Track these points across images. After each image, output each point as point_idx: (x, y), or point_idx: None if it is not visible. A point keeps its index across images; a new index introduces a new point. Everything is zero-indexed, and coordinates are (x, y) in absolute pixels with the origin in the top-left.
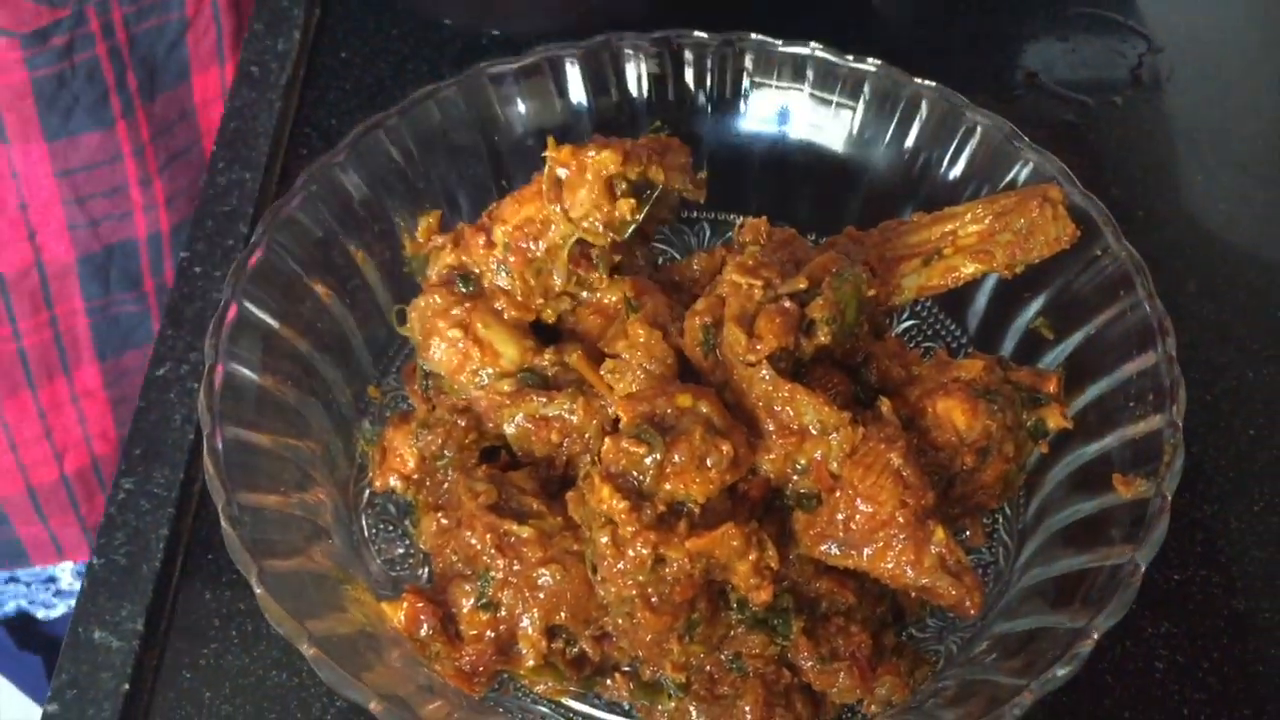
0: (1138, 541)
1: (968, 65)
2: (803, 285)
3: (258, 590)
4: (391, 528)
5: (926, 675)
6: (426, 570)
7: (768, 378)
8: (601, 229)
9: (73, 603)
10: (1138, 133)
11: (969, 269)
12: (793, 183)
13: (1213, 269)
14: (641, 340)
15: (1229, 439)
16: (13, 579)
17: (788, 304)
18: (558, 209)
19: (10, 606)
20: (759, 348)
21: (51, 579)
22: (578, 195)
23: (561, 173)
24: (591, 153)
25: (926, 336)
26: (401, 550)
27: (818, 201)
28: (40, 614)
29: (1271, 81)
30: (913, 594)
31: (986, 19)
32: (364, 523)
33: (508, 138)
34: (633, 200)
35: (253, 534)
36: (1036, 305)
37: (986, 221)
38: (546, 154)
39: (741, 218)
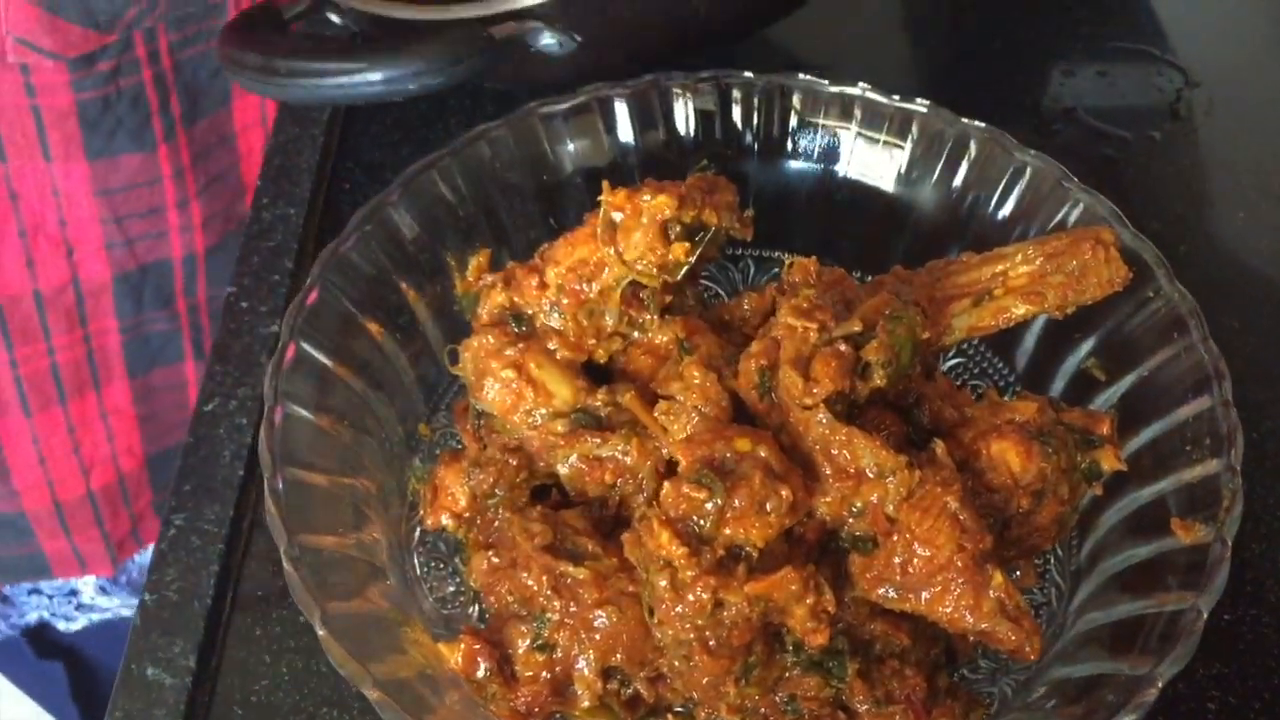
0: (1199, 588)
1: (1005, 100)
2: (857, 328)
3: (321, 632)
4: (442, 565)
5: (981, 718)
6: (477, 608)
7: (824, 421)
8: (655, 271)
9: (94, 616)
10: (1177, 167)
11: (1020, 310)
12: (839, 221)
13: (1256, 305)
14: (696, 382)
15: (1276, 477)
16: (35, 590)
17: (843, 347)
18: (611, 251)
19: (32, 617)
20: (816, 391)
21: (74, 592)
22: (632, 238)
23: (616, 216)
24: (646, 197)
25: (973, 375)
26: (453, 588)
27: (864, 240)
28: (61, 625)
29: None
30: (970, 638)
31: (1023, 53)
32: (415, 561)
33: (557, 176)
34: (686, 244)
35: (312, 575)
36: (1087, 346)
37: (1037, 263)
38: (602, 197)
39: (788, 256)
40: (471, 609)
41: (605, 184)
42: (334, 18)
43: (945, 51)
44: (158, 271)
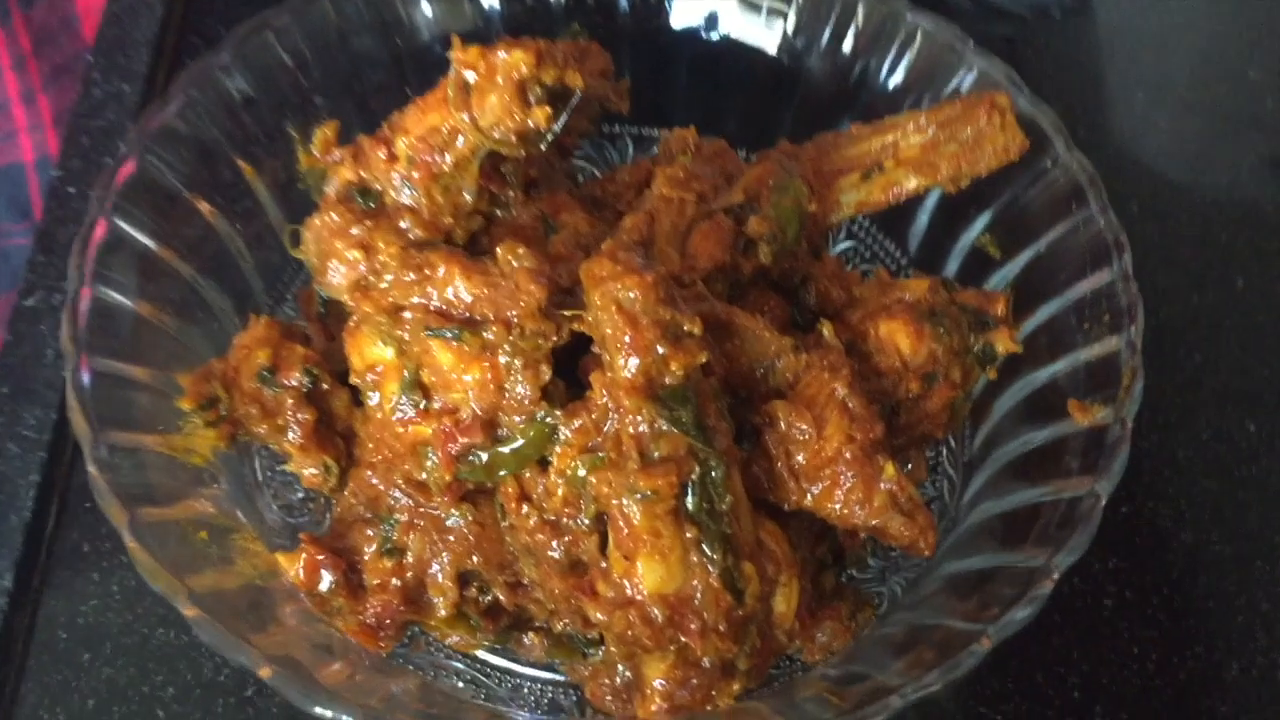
0: (1097, 471)
1: None
2: (739, 199)
3: (129, 542)
4: (288, 469)
5: (869, 619)
6: (329, 518)
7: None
8: (514, 139)
9: None
10: (1075, 49)
11: (912, 183)
12: (722, 94)
13: (1156, 190)
14: (527, 266)
15: (1174, 366)
16: None
17: (723, 219)
18: (465, 117)
19: None
20: (695, 267)
21: None
22: (487, 102)
23: (469, 76)
24: (502, 54)
25: (864, 258)
26: (300, 495)
27: (748, 113)
28: None
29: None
30: (861, 534)
31: None
32: (256, 465)
33: (412, 43)
34: (548, 108)
35: (127, 479)
36: (982, 222)
37: (930, 132)
38: (451, 55)
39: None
40: (325, 518)
41: (456, 40)
42: None
43: None
44: (9, 178)
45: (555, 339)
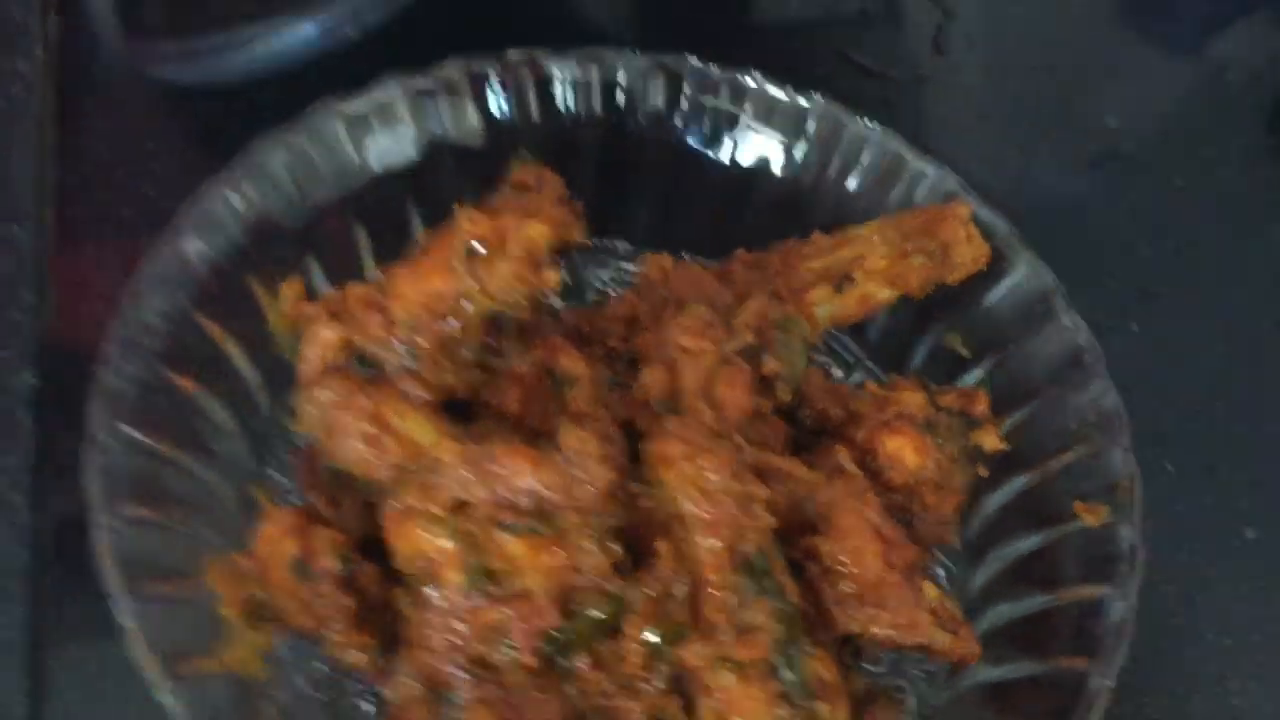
0: (1118, 580)
1: (782, 50)
2: (749, 340)
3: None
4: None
5: (900, 717)
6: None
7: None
8: (525, 303)
9: None
10: (949, 104)
11: (884, 294)
12: (673, 201)
13: (1052, 239)
14: (592, 451)
15: None
16: None
17: (740, 365)
18: (474, 284)
19: None
20: (727, 418)
21: None
22: (496, 269)
23: (478, 246)
24: (518, 227)
25: (820, 353)
26: (326, 670)
27: (700, 221)
28: None
29: (1056, 37)
30: (907, 650)
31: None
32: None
33: (365, 178)
34: (557, 270)
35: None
36: (946, 321)
37: (895, 244)
38: (461, 224)
39: (617, 241)
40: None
41: (462, 209)
42: None
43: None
44: None
45: (626, 517)
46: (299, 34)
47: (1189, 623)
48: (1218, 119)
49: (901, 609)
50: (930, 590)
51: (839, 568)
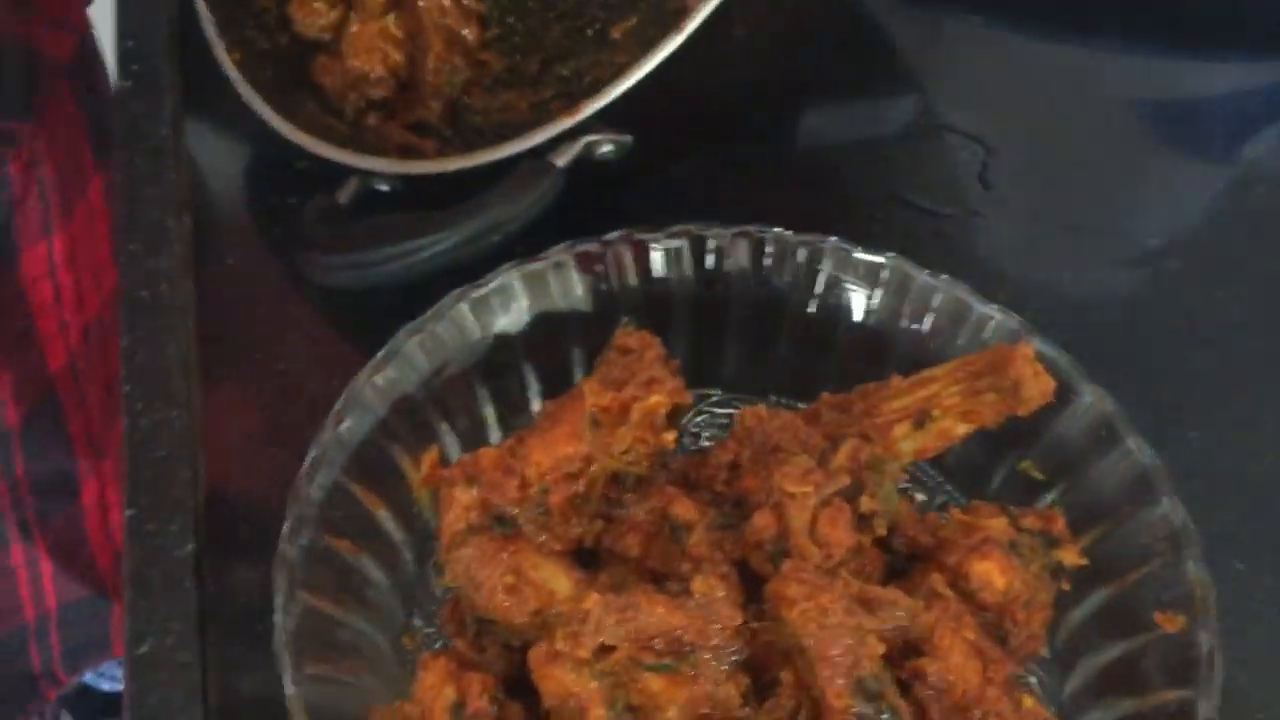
0: (1197, 684)
1: (836, 191)
2: (847, 482)
3: None
4: None
5: None
6: None
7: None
8: (645, 462)
9: None
10: (1001, 235)
11: (961, 429)
12: (758, 350)
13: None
14: (720, 595)
15: None
16: None
17: (840, 504)
18: (599, 449)
19: None
20: (832, 555)
21: None
22: (619, 433)
23: (601, 414)
24: (640, 397)
25: (903, 479)
26: None
27: (785, 367)
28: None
29: (1091, 158)
30: None
31: (827, 150)
32: None
33: (488, 352)
34: (675, 430)
35: None
36: (1019, 449)
37: (968, 383)
38: (586, 396)
39: (710, 390)
40: None
41: (588, 385)
42: (382, 187)
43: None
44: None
45: (749, 650)
46: (451, 243)
47: (1274, 716)
48: (1261, 232)
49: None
50: (1028, 701)
51: (944, 685)
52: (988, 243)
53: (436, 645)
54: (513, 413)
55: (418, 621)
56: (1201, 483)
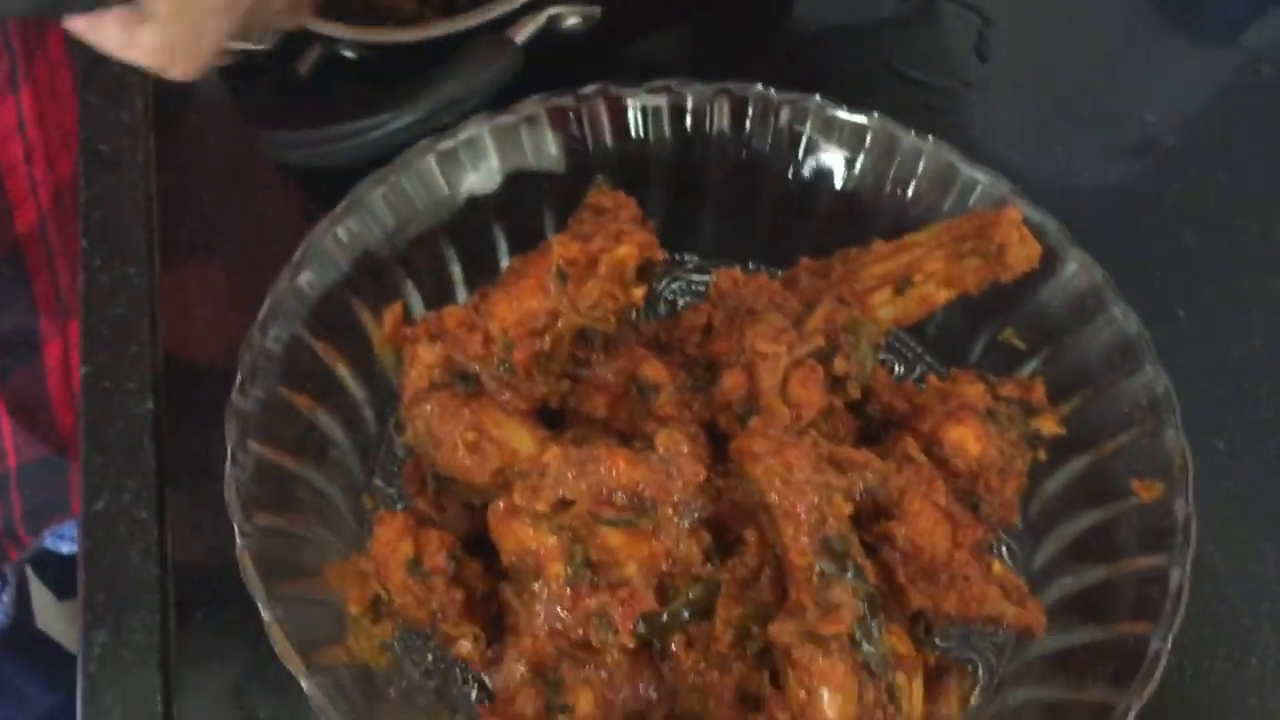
0: (1172, 551)
1: (830, 64)
2: (821, 343)
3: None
4: (416, 636)
5: (974, 686)
6: (459, 673)
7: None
8: (612, 318)
9: None
10: (996, 109)
11: (943, 295)
12: (739, 215)
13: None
14: (684, 450)
15: None
16: None
17: (813, 365)
18: (566, 302)
19: None
20: (802, 416)
21: None
22: (586, 288)
23: (568, 268)
24: (607, 248)
25: (883, 350)
26: (431, 658)
27: (763, 231)
28: None
29: (1092, 35)
30: (977, 623)
31: (831, 16)
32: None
33: (456, 210)
34: (643, 286)
35: (340, 699)
36: (1002, 317)
37: (951, 247)
38: (555, 252)
39: (686, 256)
40: (455, 673)
41: (556, 238)
42: (347, 54)
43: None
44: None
45: (713, 508)
46: (403, 124)
47: (1246, 594)
48: (1254, 110)
49: (971, 584)
50: (996, 566)
51: (911, 549)
52: (981, 117)
53: (398, 507)
54: (481, 273)
55: (379, 482)
56: (1187, 361)
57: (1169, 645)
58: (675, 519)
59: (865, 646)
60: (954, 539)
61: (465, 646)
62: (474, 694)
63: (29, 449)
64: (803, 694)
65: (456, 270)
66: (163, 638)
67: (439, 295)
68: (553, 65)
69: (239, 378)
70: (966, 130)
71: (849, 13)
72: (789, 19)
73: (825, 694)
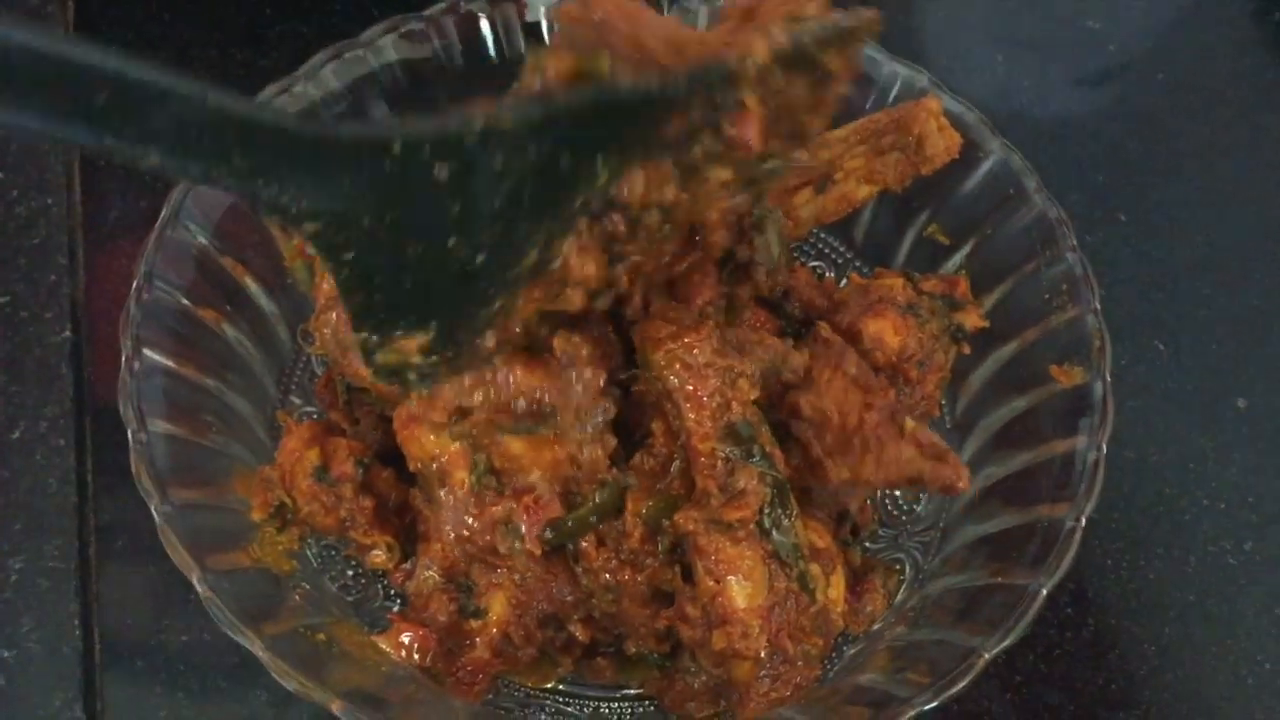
0: (1086, 431)
1: None
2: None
3: (262, 653)
4: (334, 551)
5: (899, 584)
6: (380, 589)
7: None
8: None
9: None
10: (927, 23)
11: (863, 192)
12: None
13: (1035, 139)
14: (584, 353)
15: None
16: None
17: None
18: None
19: None
20: (699, 302)
21: None
22: None
23: None
24: None
25: (811, 256)
26: (352, 573)
27: None
28: None
29: None
30: (902, 487)
31: None
32: (310, 553)
33: (365, 120)
34: None
35: (235, 602)
36: (927, 213)
37: (871, 142)
38: None
39: None
40: (376, 590)
41: None
42: None
43: None
44: None
45: (616, 409)
46: None
47: (1185, 490)
48: (1202, 16)
49: (887, 447)
50: (909, 424)
51: (821, 419)
52: (928, 29)
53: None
54: None
55: (297, 399)
56: (1128, 265)
57: (1083, 523)
58: (577, 425)
59: (775, 535)
60: (866, 404)
61: (379, 556)
62: (396, 609)
63: None
64: (711, 583)
65: None
66: (81, 563)
67: None
68: None
69: (134, 285)
70: (913, 42)
71: None
72: None
73: (734, 582)
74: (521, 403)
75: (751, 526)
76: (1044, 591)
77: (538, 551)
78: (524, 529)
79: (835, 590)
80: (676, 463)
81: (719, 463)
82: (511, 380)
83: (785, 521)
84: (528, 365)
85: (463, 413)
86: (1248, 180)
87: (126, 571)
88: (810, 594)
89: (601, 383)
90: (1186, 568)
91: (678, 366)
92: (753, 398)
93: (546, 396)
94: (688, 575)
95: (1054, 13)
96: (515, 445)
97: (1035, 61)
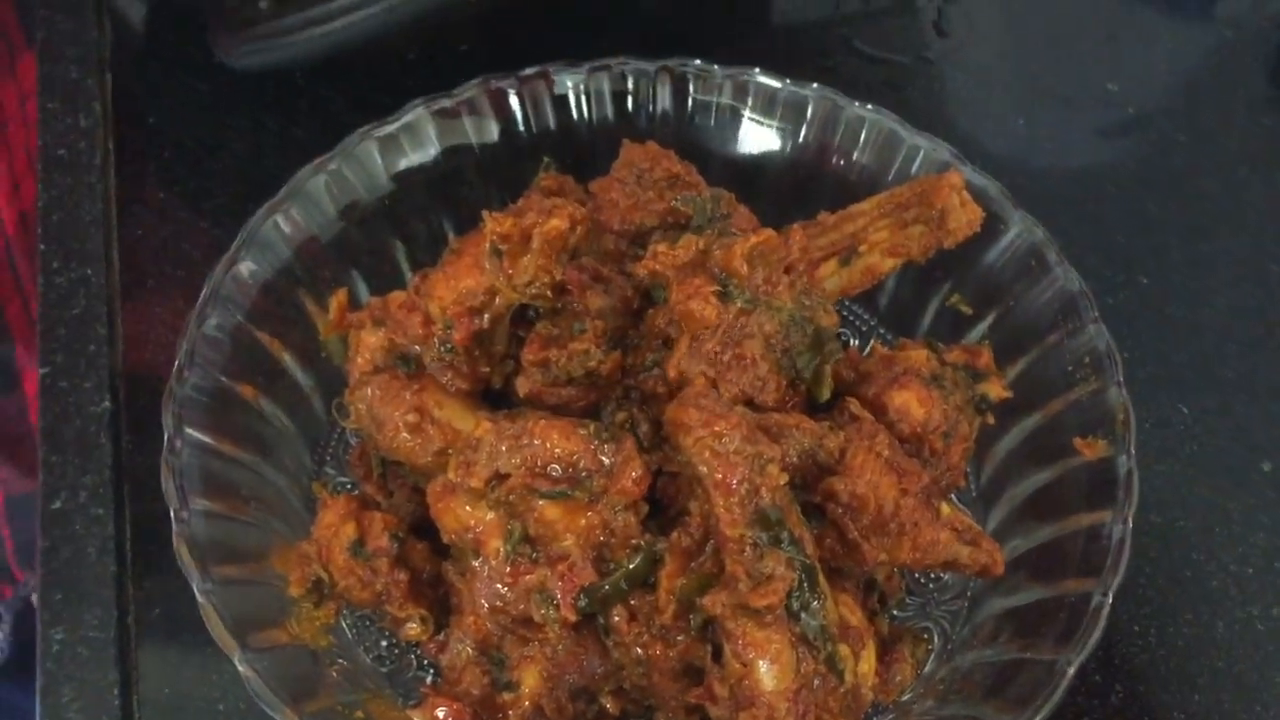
0: (1116, 505)
1: (792, 47)
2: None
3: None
4: (369, 623)
5: (927, 653)
6: (414, 659)
7: None
8: (549, 294)
9: None
10: (954, 84)
11: (888, 264)
12: None
13: (1050, 204)
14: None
15: None
16: None
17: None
18: (503, 279)
19: None
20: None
21: None
22: (521, 264)
23: (502, 244)
24: (540, 221)
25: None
26: (385, 644)
27: None
28: None
29: (1056, 8)
30: (937, 570)
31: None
32: (343, 625)
33: (399, 195)
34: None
35: (276, 679)
36: (949, 284)
37: (894, 215)
38: (486, 227)
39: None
40: (409, 659)
41: (488, 215)
42: None
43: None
44: None
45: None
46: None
47: (1210, 555)
48: (1220, 77)
49: (924, 531)
50: (946, 509)
51: (856, 502)
52: (940, 91)
53: (347, 492)
54: (427, 256)
55: (331, 470)
56: (1149, 327)
57: (1110, 599)
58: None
59: (803, 618)
60: (901, 487)
61: (413, 629)
62: (429, 679)
63: (15, 483)
64: (739, 666)
65: (402, 255)
66: (120, 633)
67: (385, 280)
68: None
69: (176, 365)
70: (928, 106)
71: (820, 8)
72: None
73: (762, 666)
74: (557, 468)
75: (780, 610)
76: (1071, 669)
77: (573, 618)
78: (559, 596)
79: (866, 664)
80: (711, 541)
81: (747, 548)
82: (548, 445)
83: (814, 604)
84: (564, 430)
85: (500, 479)
86: (1269, 240)
87: (165, 640)
88: (839, 674)
89: (635, 448)
90: (1215, 633)
91: (707, 454)
92: (782, 482)
93: (582, 461)
94: (717, 654)
95: (1075, 75)
96: (550, 510)
97: (1056, 123)
